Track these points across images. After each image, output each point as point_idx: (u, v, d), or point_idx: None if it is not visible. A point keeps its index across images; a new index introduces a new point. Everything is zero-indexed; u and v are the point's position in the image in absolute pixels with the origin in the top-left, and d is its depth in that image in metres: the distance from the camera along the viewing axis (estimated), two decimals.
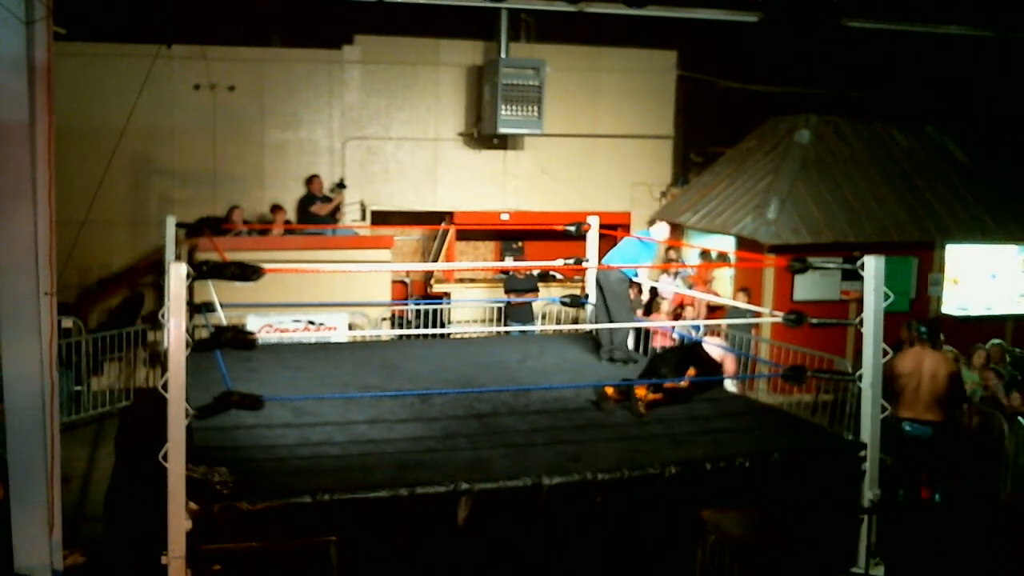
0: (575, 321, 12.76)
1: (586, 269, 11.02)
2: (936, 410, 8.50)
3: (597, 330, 10.13)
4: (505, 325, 12.76)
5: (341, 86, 14.20)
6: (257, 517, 5.92)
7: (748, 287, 12.73)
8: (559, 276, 14.41)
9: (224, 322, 9.63)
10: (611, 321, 9.73)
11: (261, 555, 5.86)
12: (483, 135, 14.37)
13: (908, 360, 8.59)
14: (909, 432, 8.46)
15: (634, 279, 10.05)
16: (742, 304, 11.14)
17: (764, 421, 8.32)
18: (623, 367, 9.56)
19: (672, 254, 14.28)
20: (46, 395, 6.17)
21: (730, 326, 11.67)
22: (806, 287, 12.91)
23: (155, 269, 12.76)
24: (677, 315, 12.59)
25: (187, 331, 5.86)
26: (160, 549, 5.82)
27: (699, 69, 15.39)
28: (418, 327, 12.66)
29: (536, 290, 13.14)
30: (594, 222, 10.84)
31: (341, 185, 13.72)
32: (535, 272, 13.45)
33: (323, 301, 12.07)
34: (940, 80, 15.64)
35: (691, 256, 14.24)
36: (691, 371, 8.57)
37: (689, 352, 9.11)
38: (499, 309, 13.29)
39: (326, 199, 13.51)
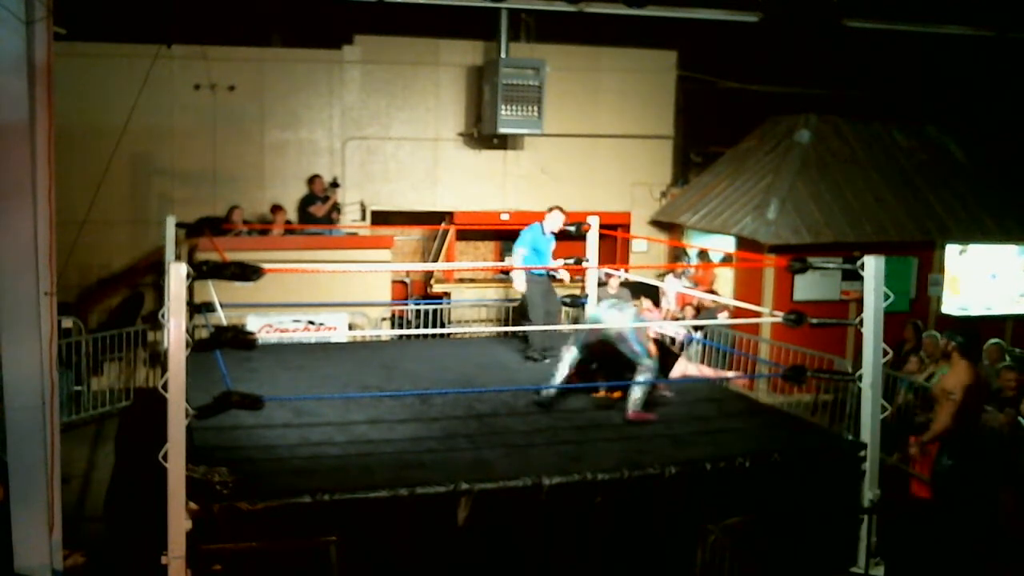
0: (575, 321, 12.75)
1: (586, 269, 11.01)
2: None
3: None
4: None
5: (341, 86, 14.20)
6: (257, 517, 5.92)
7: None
8: (558, 276, 14.39)
9: (224, 322, 9.63)
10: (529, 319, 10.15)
11: (261, 555, 5.86)
12: (483, 135, 14.37)
13: (974, 380, 7.86)
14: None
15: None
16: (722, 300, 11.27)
17: (764, 421, 8.32)
18: (543, 364, 9.70)
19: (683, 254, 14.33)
20: (46, 395, 6.17)
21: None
22: (806, 287, 12.91)
23: (155, 269, 12.75)
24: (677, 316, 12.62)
25: (187, 331, 5.86)
26: (160, 549, 5.82)
27: (699, 69, 15.39)
28: (418, 327, 12.66)
29: None
30: (594, 222, 10.83)
31: (334, 184, 13.71)
32: None
33: (323, 301, 12.07)
34: (940, 80, 15.64)
35: (691, 256, 14.26)
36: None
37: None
38: (505, 309, 13.28)
39: (324, 199, 13.51)
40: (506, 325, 13.21)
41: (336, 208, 13.68)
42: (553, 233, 10.09)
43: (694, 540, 6.54)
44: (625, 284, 12.41)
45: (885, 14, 13.54)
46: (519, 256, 9.95)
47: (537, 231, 10.04)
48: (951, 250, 13.92)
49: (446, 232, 14.65)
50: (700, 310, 12.93)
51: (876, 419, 7.25)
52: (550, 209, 10.19)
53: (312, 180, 13.59)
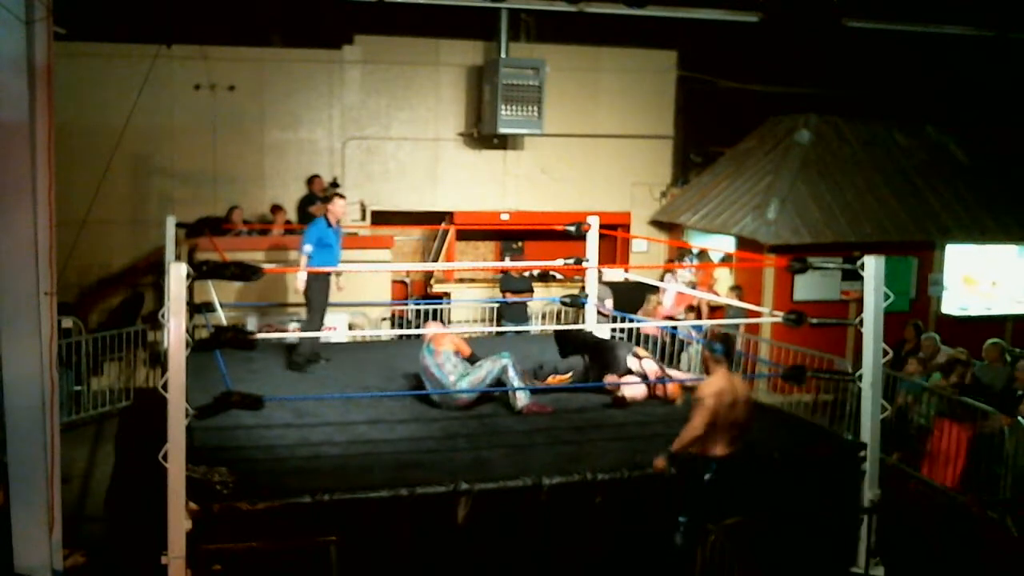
0: (575, 321, 12.75)
1: (586, 269, 11.01)
2: (739, 441, 6.65)
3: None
4: (499, 325, 12.74)
5: (341, 86, 14.20)
6: (257, 517, 5.92)
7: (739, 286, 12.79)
8: (559, 276, 14.40)
9: (224, 322, 9.62)
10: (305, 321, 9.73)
11: (261, 555, 5.86)
12: (483, 135, 14.37)
13: (727, 385, 6.57)
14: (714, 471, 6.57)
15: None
16: (736, 302, 11.25)
17: (764, 421, 8.32)
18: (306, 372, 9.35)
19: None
20: (46, 395, 6.17)
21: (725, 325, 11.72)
22: (806, 287, 12.91)
23: (155, 269, 12.75)
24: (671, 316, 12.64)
25: (187, 331, 5.86)
26: (160, 549, 5.82)
27: (699, 69, 15.38)
28: (418, 327, 12.65)
29: (531, 290, 13.11)
30: (594, 222, 10.83)
31: (334, 184, 13.72)
32: (535, 272, 13.43)
33: None
34: (940, 80, 15.64)
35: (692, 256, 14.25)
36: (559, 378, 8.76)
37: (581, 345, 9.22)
38: (493, 309, 13.28)
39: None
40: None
41: None
42: (339, 223, 9.68)
43: (694, 540, 6.53)
44: (607, 283, 12.43)
45: (885, 14, 13.54)
46: (306, 253, 9.34)
47: (322, 224, 9.54)
48: (995, 251, 14.03)
49: (446, 232, 14.65)
50: (699, 310, 12.92)
51: (876, 419, 7.25)
52: (330, 198, 9.89)
53: (311, 180, 13.59)
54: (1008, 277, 14.30)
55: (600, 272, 12.04)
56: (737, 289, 12.98)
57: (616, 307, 11.55)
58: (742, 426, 6.60)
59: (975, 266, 14.12)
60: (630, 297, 12.39)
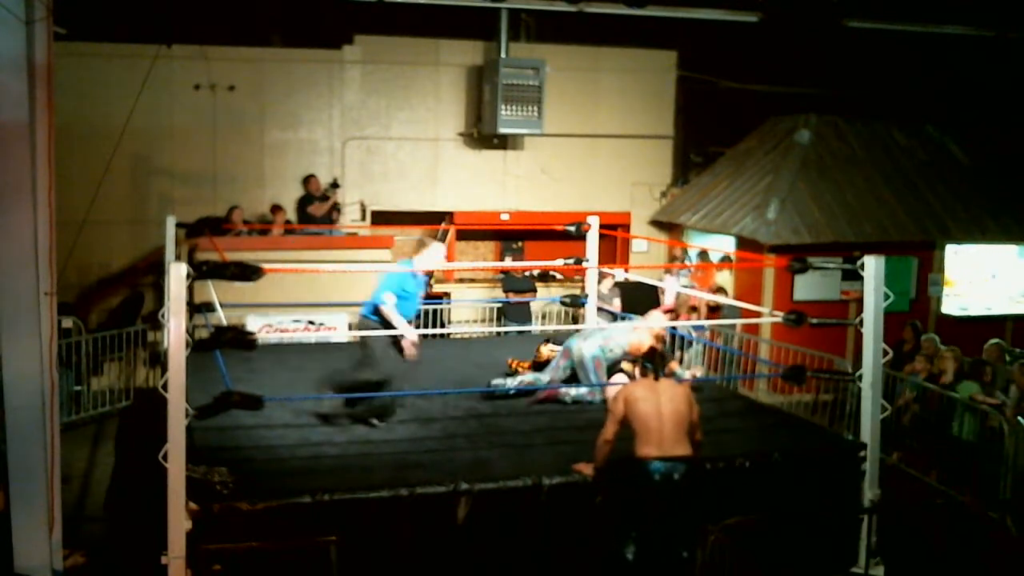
0: (575, 321, 12.76)
1: (586, 269, 11.02)
2: (685, 444, 6.43)
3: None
4: (502, 325, 12.75)
5: (341, 86, 14.20)
6: (257, 517, 5.92)
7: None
8: (559, 276, 14.40)
9: (224, 322, 9.62)
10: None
11: (261, 555, 5.86)
12: (483, 135, 14.37)
13: (641, 390, 6.53)
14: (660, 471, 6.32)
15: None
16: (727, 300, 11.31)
17: (764, 421, 8.33)
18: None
19: (677, 252, 14.36)
20: (46, 395, 6.17)
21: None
22: (806, 287, 12.91)
23: (155, 269, 12.74)
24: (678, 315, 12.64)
25: (187, 331, 5.86)
26: (160, 549, 5.82)
27: (699, 69, 15.38)
28: (418, 327, 12.64)
29: (534, 290, 13.12)
30: (594, 222, 10.83)
31: (335, 185, 13.72)
32: (535, 272, 13.43)
33: (323, 301, 12.06)
34: (940, 80, 15.64)
35: (692, 257, 14.27)
36: None
37: None
38: (496, 309, 13.29)
39: (323, 199, 13.51)
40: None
41: (336, 208, 13.67)
42: (426, 274, 8.15)
43: (694, 540, 6.53)
44: (620, 284, 12.39)
45: (885, 14, 13.54)
46: (390, 300, 7.69)
47: (407, 273, 7.98)
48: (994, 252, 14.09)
49: (446, 232, 14.65)
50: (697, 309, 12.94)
51: (876, 419, 7.26)
52: (423, 244, 8.21)
53: (307, 180, 13.59)
54: (1005, 275, 14.30)
55: (612, 274, 12.07)
56: (721, 290, 13.03)
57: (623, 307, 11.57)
58: (683, 429, 6.34)
59: (964, 267, 14.11)
60: (633, 297, 12.40)
